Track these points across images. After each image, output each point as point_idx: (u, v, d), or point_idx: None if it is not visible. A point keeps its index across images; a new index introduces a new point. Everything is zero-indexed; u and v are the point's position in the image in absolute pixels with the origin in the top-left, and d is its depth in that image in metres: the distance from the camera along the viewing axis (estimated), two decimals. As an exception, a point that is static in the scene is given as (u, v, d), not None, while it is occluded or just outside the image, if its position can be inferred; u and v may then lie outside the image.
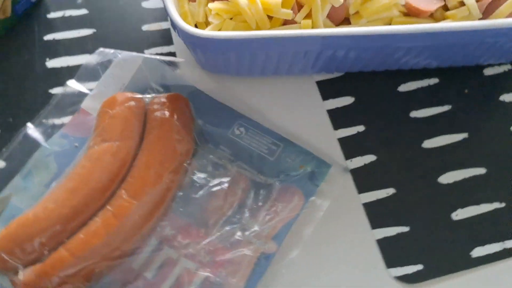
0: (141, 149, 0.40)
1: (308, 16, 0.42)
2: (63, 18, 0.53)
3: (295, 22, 0.42)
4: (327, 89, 0.50)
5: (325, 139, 0.47)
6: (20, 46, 0.51)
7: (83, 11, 0.54)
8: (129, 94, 0.43)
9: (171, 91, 0.46)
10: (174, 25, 0.40)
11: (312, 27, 0.42)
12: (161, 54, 0.51)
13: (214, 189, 0.41)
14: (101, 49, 0.48)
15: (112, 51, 0.48)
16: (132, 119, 0.41)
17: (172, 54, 0.51)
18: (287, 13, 0.41)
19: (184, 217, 0.41)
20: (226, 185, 0.41)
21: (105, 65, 0.47)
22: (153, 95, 0.45)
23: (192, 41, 0.40)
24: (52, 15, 0.53)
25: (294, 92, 0.49)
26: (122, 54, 0.48)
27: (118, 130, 0.40)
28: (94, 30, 0.52)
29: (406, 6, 0.43)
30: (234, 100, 0.48)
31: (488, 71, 0.51)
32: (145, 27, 0.53)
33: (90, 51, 0.50)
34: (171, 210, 0.40)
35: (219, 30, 0.42)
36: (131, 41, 0.52)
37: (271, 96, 0.49)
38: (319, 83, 0.50)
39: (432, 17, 0.44)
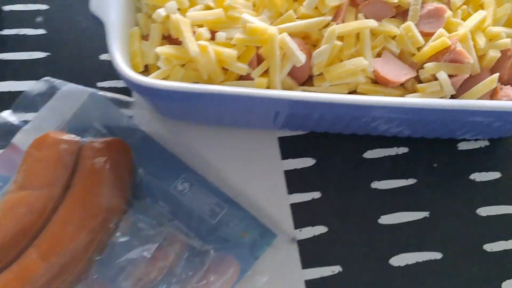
0: (64, 200, 0.36)
1: (267, 73, 0.38)
2: (17, 36, 0.49)
3: (251, 78, 0.38)
4: (289, 147, 0.46)
5: (276, 202, 0.43)
6: (-36, 63, 0.47)
7: (41, 31, 0.50)
8: (63, 135, 0.39)
9: (116, 133, 0.43)
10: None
11: (269, 86, 0.38)
12: (115, 88, 0.47)
13: (140, 255, 0.37)
14: (47, 78, 0.45)
15: (58, 81, 0.44)
16: (59, 165, 0.37)
17: (127, 90, 0.47)
18: (242, 68, 0.38)
19: (104, 282, 0.36)
20: (149, 252, 0.36)
21: (47, 95, 0.44)
22: (91, 138, 0.41)
23: (131, 86, 0.36)
24: (6, 31, 0.50)
25: (252, 145, 0.46)
26: (68, 86, 0.44)
27: (40, 176, 0.36)
28: (48, 54, 0.49)
29: (374, 73, 0.40)
30: (185, 149, 0.44)
31: (462, 145, 0.48)
32: (103, 56, 0.49)
33: (40, 77, 0.46)
34: (89, 273, 0.36)
35: (167, 77, 0.38)
36: (85, 70, 0.48)
37: (227, 148, 0.45)
38: (281, 140, 0.46)
39: (403, 87, 0.41)
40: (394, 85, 0.39)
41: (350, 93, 0.40)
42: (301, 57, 0.37)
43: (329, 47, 0.38)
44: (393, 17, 0.41)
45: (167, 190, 0.41)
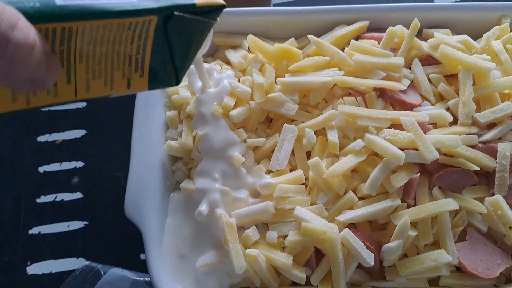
0: None
1: (329, 273, 0.33)
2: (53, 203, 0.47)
3: (310, 284, 0.33)
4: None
5: None
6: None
7: (78, 195, 0.47)
8: None
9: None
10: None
11: (333, 295, 0.32)
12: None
13: None
14: (87, 263, 0.41)
15: (99, 265, 0.41)
16: None
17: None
18: (300, 277, 0.32)
19: None
20: None
21: (89, 285, 0.40)
22: None
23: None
24: (42, 199, 0.47)
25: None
26: (110, 273, 0.40)
27: None
28: (85, 223, 0.46)
29: (460, 264, 0.33)
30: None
31: None
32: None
33: (81, 251, 0.43)
34: None
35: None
36: (129, 239, 0.44)
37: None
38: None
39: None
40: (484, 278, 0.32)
41: (431, 283, 0.34)
42: (369, 258, 0.31)
43: (402, 242, 0.32)
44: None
45: None
